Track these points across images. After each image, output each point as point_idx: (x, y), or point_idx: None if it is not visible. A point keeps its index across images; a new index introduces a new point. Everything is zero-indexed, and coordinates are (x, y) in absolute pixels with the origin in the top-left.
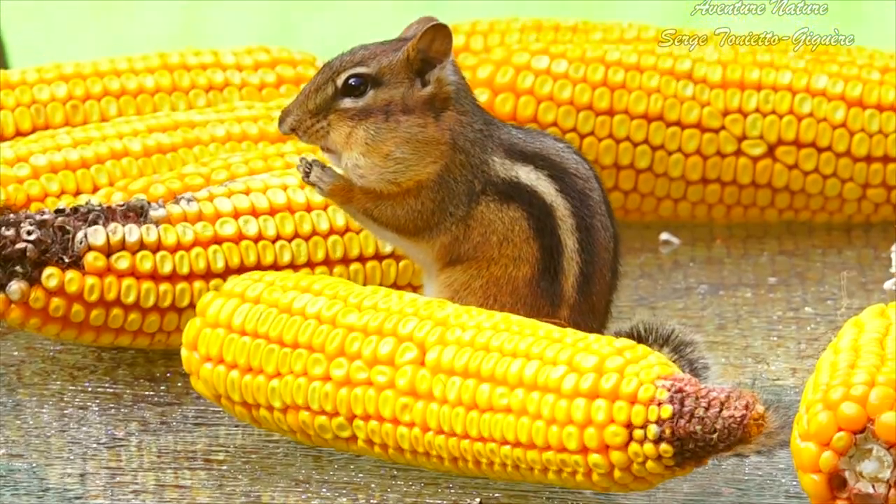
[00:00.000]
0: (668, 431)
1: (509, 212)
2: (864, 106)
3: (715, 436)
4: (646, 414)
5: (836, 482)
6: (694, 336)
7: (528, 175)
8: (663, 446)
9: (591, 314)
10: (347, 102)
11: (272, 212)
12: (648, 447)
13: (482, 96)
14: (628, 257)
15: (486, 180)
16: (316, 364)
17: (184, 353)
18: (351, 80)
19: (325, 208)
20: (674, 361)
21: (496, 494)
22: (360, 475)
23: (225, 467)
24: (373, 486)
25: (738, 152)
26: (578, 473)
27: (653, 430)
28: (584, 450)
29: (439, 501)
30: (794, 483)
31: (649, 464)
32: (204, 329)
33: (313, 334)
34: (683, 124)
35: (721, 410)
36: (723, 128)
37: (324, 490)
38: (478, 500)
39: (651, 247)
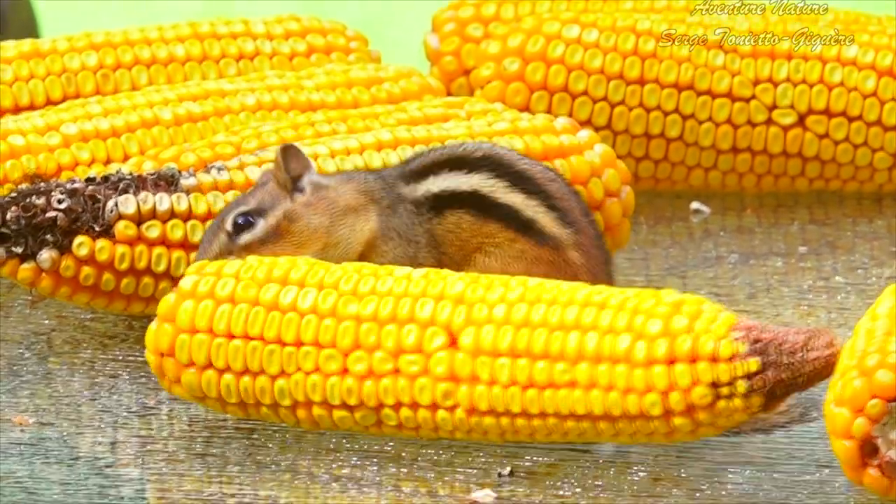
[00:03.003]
0: (758, 384)
1: (451, 217)
2: (895, 75)
3: (802, 378)
4: (732, 370)
5: (868, 449)
6: None
7: (434, 183)
8: (753, 398)
9: (594, 245)
10: (245, 237)
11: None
12: (738, 401)
13: (513, 65)
14: (659, 227)
15: (414, 205)
16: (330, 360)
17: (152, 358)
18: (238, 220)
19: None
20: None
21: (527, 463)
22: (391, 444)
23: (255, 435)
24: (403, 454)
25: (769, 121)
26: (657, 435)
27: (742, 385)
28: (667, 414)
29: (470, 469)
30: (827, 449)
31: (736, 416)
32: (179, 335)
33: (319, 331)
34: (714, 93)
35: (805, 353)
36: (753, 97)
37: (354, 459)
38: (508, 468)
39: (682, 216)
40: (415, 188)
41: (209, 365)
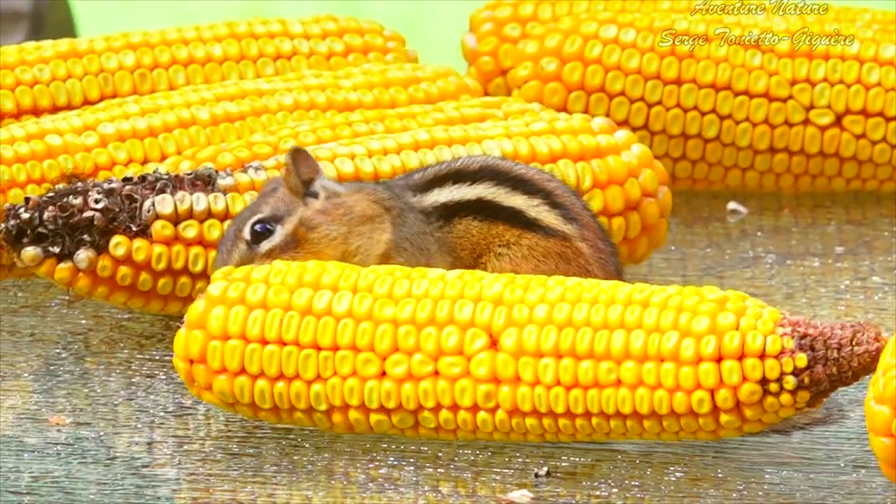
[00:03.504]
0: (806, 380)
1: (459, 225)
2: None
3: (850, 373)
4: (780, 367)
5: None
6: None
7: (441, 195)
8: (801, 394)
9: (599, 238)
10: (265, 245)
11: (339, 181)
12: (785, 397)
13: (550, 65)
14: (696, 227)
15: (423, 214)
16: (368, 364)
17: (181, 365)
18: (256, 227)
19: (392, 177)
20: None
21: (564, 463)
22: (427, 444)
23: (292, 436)
24: (440, 454)
25: (806, 121)
26: (702, 432)
27: (791, 381)
28: (715, 411)
29: (507, 470)
30: (864, 450)
31: (782, 412)
32: (210, 342)
33: (356, 335)
34: (751, 93)
35: (853, 348)
36: (790, 97)
37: (390, 459)
38: (545, 469)
39: (719, 216)
40: (422, 199)
41: (242, 371)
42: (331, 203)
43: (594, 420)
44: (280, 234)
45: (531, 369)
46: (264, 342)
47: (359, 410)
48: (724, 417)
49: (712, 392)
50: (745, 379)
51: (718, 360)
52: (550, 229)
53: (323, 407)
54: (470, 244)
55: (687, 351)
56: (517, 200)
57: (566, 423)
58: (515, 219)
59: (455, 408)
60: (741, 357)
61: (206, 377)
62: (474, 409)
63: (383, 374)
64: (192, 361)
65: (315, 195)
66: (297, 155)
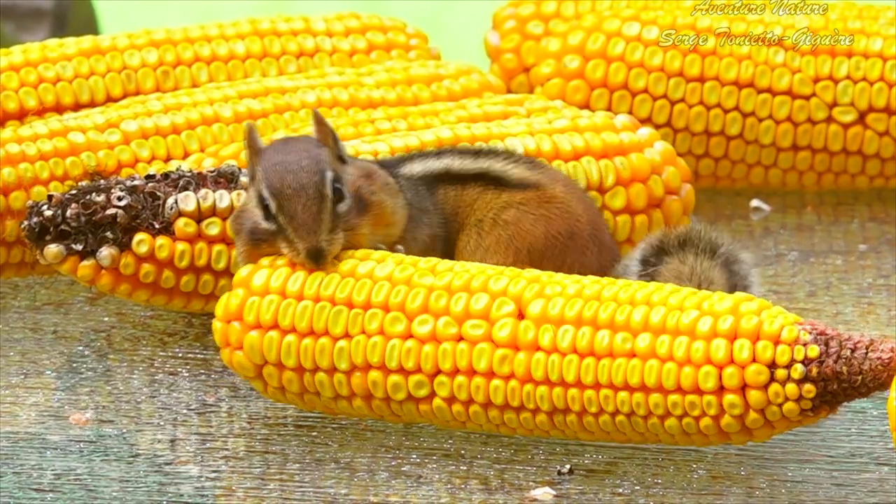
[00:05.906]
0: (814, 371)
1: (439, 193)
2: None
3: (860, 378)
4: (791, 353)
5: None
6: (743, 253)
7: (411, 168)
8: (807, 386)
9: (565, 182)
10: (342, 207)
11: None
12: (791, 387)
13: (573, 63)
14: (719, 224)
15: (409, 181)
16: (395, 322)
17: (219, 326)
18: (336, 186)
19: None
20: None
21: (586, 461)
22: (450, 441)
23: (315, 433)
24: (463, 452)
25: (829, 119)
26: (706, 417)
27: (798, 369)
28: (720, 390)
29: (530, 467)
30: (886, 447)
31: (787, 406)
32: (249, 298)
33: (389, 295)
34: (774, 91)
35: (867, 352)
36: (813, 95)
37: (413, 456)
38: (568, 466)
39: (742, 213)
40: (396, 172)
41: (275, 325)
42: (358, 167)
43: (603, 392)
44: (347, 197)
45: (550, 335)
46: (300, 298)
47: (378, 370)
48: (728, 398)
49: (720, 368)
50: (754, 359)
51: (733, 338)
52: (520, 180)
53: (344, 366)
54: (451, 210)
55: (703, 326)
56: (482, 163)
57: (574, 394)
58: (483, 178)
59: (471, 372)
60: (756, 339)
61: (239, 334)
62: (489, 374)
63: (409, 335)
64: (229, 321)
65: (343, 159)
66: (322, 117)
